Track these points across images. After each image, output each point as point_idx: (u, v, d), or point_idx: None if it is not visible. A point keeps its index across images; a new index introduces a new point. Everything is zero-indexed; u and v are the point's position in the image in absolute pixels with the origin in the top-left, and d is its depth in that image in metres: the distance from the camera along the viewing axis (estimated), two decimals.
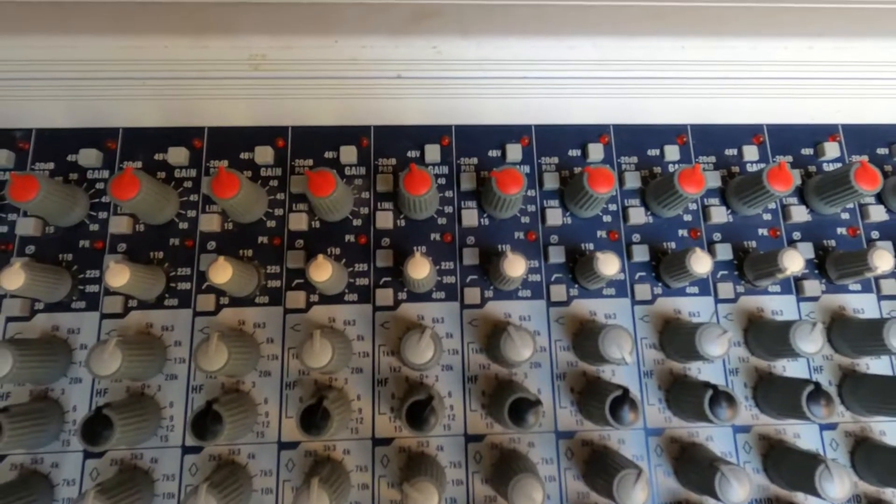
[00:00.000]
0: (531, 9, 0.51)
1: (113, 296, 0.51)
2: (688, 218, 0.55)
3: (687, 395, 0.49)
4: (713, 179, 0.56)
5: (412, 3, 0.50)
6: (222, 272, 0.46)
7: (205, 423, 0.43)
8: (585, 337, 0.50)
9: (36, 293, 0.48)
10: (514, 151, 0.56)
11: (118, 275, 0.45)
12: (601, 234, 0.55)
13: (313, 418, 0.44)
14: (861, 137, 0.59)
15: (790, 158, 0.58)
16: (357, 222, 0.54)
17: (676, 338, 0.50)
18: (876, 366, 0.52)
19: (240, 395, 0.48)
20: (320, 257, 0.46)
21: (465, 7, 0.50)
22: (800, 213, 0.55)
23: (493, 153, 0.56)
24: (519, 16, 0.52)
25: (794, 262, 0.48)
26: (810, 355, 0.47)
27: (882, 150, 0.58)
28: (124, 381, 0.49)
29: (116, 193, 0.47)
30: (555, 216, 0.54)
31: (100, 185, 0.54)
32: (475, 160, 0.56)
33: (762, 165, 0.55)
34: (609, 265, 0.48)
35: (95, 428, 0.43)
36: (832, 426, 0.51)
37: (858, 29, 0.56)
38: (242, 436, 0.48)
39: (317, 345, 0.44)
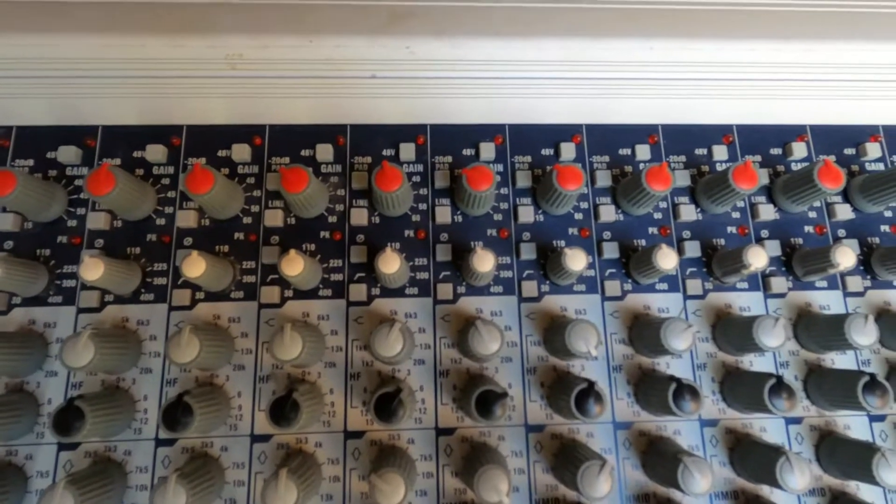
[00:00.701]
0: (502, 10, 0.52)
1: (89, 290, 0.51)
2: (658, 216, 0.56)
3: (653, 389, 0.49)
4: (683, 178, 0.57)
5: (387, 4, 0.51)
6: (195, 266, 0.46)
7: (175, 414, 0.44)
8: (555, 332, 0.51)
9: (13, 287, 0.49)
10: (488, 150, 0.57)
11: (92, 269, 0.46)
12: (573, 231, 0.56)
13: (283, 410, 0.44)
14: (829, 138, 0.60)
15: (759, 158, 0.59)
16: (332, 219, 0.55)
17: (644, 333, 0.51)
18: (841, 361, 0.53)
19: (212, 388, 0.49)
20: (292, 252, 0.47)
21: (438, 9, 0.51)
22: (767, 212, 0.56)
23: (468, 152, 0.57)
24: (490, 17, 0.53)
25: (758, 258, 0.49)
26: (773, 349, 0.48)
27: (849, 151, 0.60)
28: (99, 374, 0.50)
29: (92, 189, 0.48)
30: (527, 214, 0.55)
31: (79, 182, 0.55)
32: (449, 158, 0.57)
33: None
34: (576, 260, 0.48)
35: (67, 419, 0.43)
36: (797, 420, 0.52)
37: (826, 32, 0.57)
38: (215, 428, 0.49)
39: (287, 337, 0.45)
